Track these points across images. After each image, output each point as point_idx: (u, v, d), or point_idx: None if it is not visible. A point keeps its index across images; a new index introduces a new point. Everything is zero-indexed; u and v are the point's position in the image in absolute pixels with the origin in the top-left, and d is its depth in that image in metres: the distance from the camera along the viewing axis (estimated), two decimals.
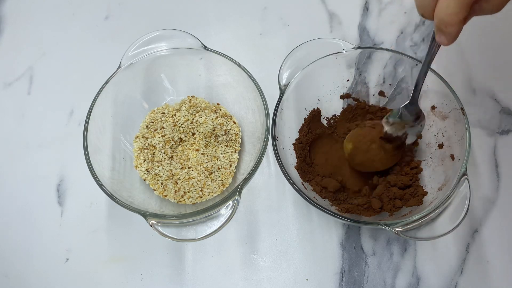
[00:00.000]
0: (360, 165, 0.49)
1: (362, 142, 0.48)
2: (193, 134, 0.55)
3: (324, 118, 0.55)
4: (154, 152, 0.53)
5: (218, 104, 0.57)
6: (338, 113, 0.55)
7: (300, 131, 0.53)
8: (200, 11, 0.67)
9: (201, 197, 0.51)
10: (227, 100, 0.57)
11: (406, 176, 0.49)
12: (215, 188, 0.51)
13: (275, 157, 0.45)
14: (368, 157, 0.48)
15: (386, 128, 0.47)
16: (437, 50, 0.38)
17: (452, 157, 0.46)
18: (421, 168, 0.50)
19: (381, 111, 0.54)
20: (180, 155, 0.54)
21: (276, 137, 0.47)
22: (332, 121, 0.55)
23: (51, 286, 0.50)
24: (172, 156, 0.53)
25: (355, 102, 0.55)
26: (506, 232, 0.49)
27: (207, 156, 0.53)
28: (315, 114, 0.54)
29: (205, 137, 0.54)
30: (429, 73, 0.48)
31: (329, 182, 0.49)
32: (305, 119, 0.53)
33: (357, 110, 0.55)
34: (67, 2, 0.70)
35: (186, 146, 0.54)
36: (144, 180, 0.52)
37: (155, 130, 0.55)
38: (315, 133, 0.53)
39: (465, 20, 0.34)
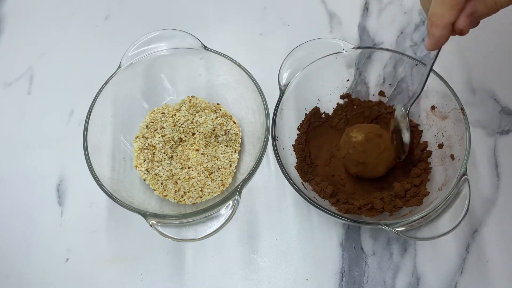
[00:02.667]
0: (361, 166, 0.48)
1: (374, 143, 0.47)
2: (193, 134, 0.55)
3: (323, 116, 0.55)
4: (154, 152, 0.53)
5: (218, 104, 0.57)
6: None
7: (299, 127, 0.53)
8: (200, 11, 0.67)
9: (201, 197, 0.51)
10: (227, 100, 0.57)
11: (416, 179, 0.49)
12: (215, 188, 0.51)
13: (275, 157, 0.45)
14: (375, 161, 0.47)
15: (395, 124, 0.48)
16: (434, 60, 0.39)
17: (452, 157, 0.46)
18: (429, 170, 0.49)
19: (377, 107, 0.54)
20: (180, 155, 0.54)
21: (276, 137, 0.47)
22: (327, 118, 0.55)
23: (51, 286, 0.50)
24: (172, 156, 0.53)
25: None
26: (506, 232, 0.49)
27: (207, 156, 0.53)
28: (316, 111, 0.54)
29: (205, 137, 0.54)
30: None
31: (325, 186, 0.49)
32: (306, 114, 0.53)
33: (348, 107, 0.55)
34: (67, 2, 0.70)
35: (186, 146, 0.54)
36: (144, 180, 0.52)
37: (155, 130, 0.55)
38: (314, 125, 0.53)
39: (457, 26, 0.32)
